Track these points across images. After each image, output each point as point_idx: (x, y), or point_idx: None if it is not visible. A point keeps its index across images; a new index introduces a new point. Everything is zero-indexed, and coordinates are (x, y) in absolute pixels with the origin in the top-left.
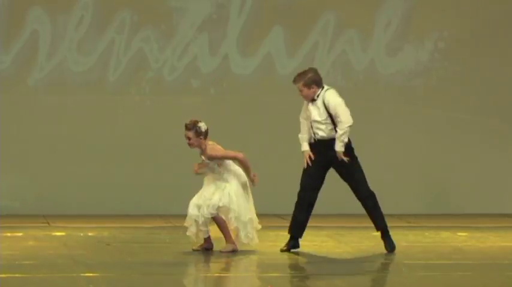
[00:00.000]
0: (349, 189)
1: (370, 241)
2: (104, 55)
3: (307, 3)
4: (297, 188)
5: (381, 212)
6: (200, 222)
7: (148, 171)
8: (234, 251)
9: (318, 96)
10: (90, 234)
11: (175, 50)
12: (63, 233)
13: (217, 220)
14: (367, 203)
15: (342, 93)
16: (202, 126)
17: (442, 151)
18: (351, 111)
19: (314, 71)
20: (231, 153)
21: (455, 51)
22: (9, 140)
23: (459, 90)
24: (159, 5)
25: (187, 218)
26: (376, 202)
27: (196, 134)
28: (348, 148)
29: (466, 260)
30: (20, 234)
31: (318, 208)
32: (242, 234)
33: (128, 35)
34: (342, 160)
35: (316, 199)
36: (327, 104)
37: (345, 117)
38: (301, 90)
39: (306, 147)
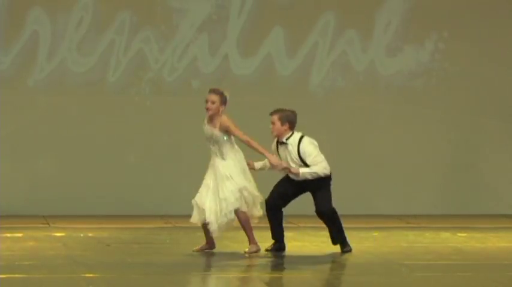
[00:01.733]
0: (348, 190)
1: (369, 241)
2: (104, 56)
3: (307, 4)
4: None
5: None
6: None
7: (149, 171)
8: (258, 251)
9: (287, 139)
10: (90, 235)
11: (175, 51)
12: (63, 234)
13: (241, 218)
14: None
15: (342, 94)
16: (227, 95)
17: (442, 152)
18: (351, 112)
19: (294, 113)
20: (241, 133)
21: (455, 52)
22: (9, 141)
23: (459, 90)
24: (158, 6)
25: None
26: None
27: (221, 100)
28: (327, 178)
29: (466, 261)
30: (20, 235)
31: None
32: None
33: (127, 36)
34: (316, 186)
35: (283, 207)
36: (302, 153)
37: (320, 170)
38: (273, 123)
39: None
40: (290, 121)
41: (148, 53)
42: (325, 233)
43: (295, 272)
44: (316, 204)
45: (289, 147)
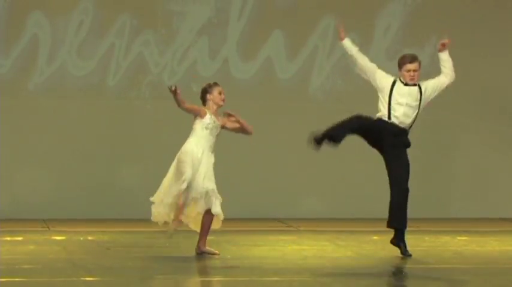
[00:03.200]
0: (348, 194)
1: (369, 245)
2: (103, 59)
3: (307, 7)
4: (297, 191)
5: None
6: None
7: (149, 175)
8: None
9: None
10: (90, 238)
11: (175, 54)
12: (63, 238)
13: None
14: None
15: (342, 97)
16: None
17: (442, 154)
18: (351, 114)
19: None
20: None
21: (454, 55)
22: (9, 145)
23: (459, 93)
24: (158, 9)
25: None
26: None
27: None
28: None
29: (466, 265)
30: (20, 238)
31: (317, 212)
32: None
33: (127, 39)
34: (396, 146)
35: None
36: (424, 89)
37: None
38: (415, 70)
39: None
40: None
41: (148, 57)
42: (325, 237)
43: (295, 276)
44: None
45: (415, 88)
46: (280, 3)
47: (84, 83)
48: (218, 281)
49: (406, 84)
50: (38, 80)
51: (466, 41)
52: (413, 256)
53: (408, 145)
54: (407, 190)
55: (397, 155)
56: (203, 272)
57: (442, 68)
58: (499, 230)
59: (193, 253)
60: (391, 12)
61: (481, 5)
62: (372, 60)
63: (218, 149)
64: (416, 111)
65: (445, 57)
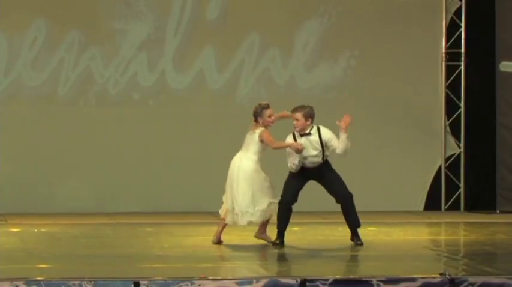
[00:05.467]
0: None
1: (290, 235)
2: (55, 71)
3: (235, 25)
4: (223, 188)
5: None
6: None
7: (94, 172)
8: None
9: (311, 130)
10: (43, 230)
11: (118, 67)
12: (19, 229)
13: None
14: (346, 204)
15: None
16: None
17: (350, 155)
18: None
19: (312, 108)
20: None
21: (364, 68)
22: None
23: (367, 101)
24: (103, 27)
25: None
26: (353, 202)
27: None
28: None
29: (375, 252)
30: None
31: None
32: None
33: (76, 54)
34: (321, 172)
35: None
36: (324, 139)
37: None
38: (298, 120)
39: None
40: (311, 116)
41: (94, 69)
42: (252, 228)
43: (223, 261)
44: (335, 193)
45: (312, 137)
46: (211, 21)
47: (38, 92)
48: (156, 267)
49: (301, 135)
50: None
51: (374, 55)
52: (328, 244)
53: (329, 164)
54: (351, 197)
55: (328, 177)
56: (143, 259)
57: (340, 145)
58: (404, 221)
59: (134, 241)
60: (309, 29)
61: (387, 22)
62: (291, 72)
63: (166, 151)
64: (321, 151)
65: (343, 138)
